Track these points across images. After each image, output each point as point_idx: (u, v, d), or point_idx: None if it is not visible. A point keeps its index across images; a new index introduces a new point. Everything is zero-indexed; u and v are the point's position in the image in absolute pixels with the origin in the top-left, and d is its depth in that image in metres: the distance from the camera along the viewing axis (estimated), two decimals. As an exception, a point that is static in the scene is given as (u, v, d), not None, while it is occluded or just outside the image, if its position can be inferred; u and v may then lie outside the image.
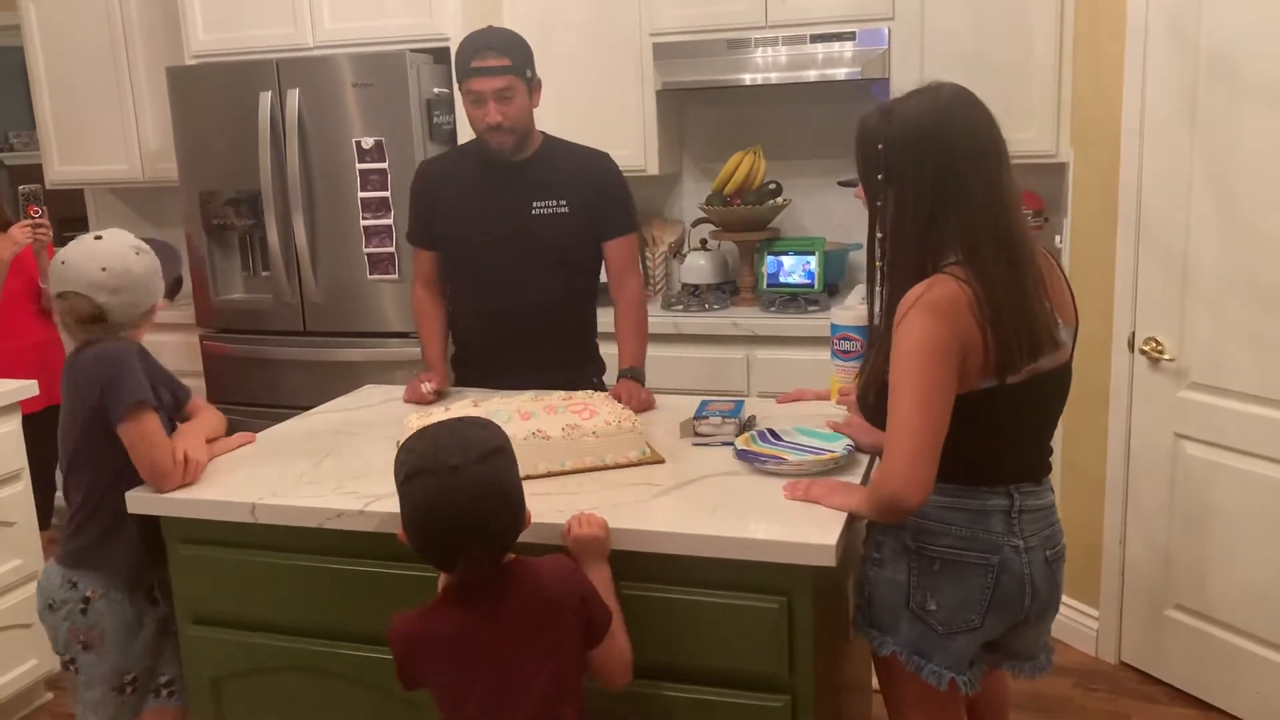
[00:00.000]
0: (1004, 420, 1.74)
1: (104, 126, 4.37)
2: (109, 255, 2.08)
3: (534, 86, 2.59)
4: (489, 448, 1.59)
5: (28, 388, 3.02)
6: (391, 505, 1.88)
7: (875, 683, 2.50)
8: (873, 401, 1.82)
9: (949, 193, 1.70)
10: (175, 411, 2.21)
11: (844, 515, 1.76)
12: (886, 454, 1.69)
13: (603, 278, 2.78)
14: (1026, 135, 3.28)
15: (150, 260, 2.15)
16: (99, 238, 2.12)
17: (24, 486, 3.00)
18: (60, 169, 4.44)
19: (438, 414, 2.08)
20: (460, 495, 1.54)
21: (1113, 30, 2.87)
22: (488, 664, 1.61)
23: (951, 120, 1.71)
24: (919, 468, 1.64)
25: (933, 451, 1.65)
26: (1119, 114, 2.85)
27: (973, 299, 1.66)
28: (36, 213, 3.46)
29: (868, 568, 1.88)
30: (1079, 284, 3.06)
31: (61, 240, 3.72)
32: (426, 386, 2.56)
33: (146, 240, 2.20)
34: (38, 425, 3.60)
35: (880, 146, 1.74)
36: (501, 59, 2.50)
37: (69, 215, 4.90)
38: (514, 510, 1.61)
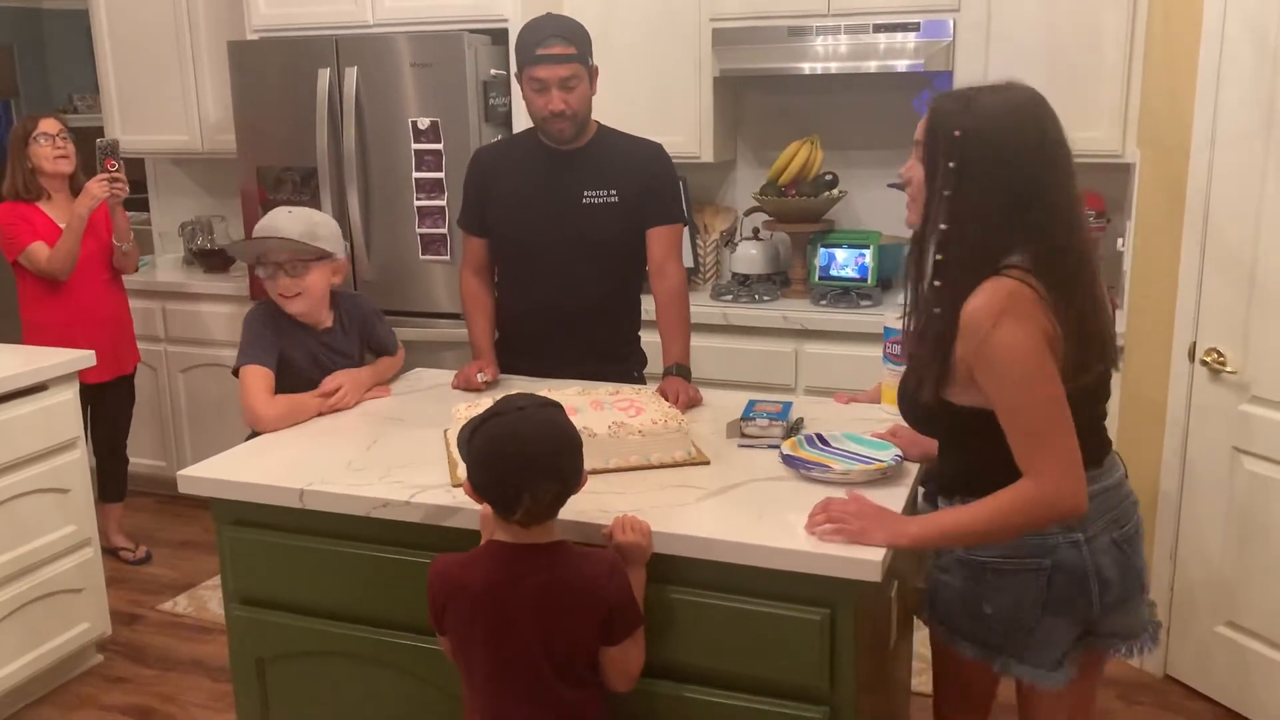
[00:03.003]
0: None
1: (166, 97, 4.42)
2: None
3: (594, 74, 2.57)
4: (549, 402, 1.71)
5: (86, 358, 3.06)
6: (437, 497, 1.91)
7: (915, 684, 2.51)
8: (924, 411, 1.78)
9: (1025, 196, 1.65)
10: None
11: (891, 529, 1.73)
12: (1042, 468, 1.62)
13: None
14: (1092, 134, 3.21)
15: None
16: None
17: (80, 455, 3.05)
18: (123, 137, 4.48)
19: (486, 402, 2.08)
20: (527, 428, 1.64)
21: (1187, 32, 2.78)
22: (495, 620, 1.66)
23: (1033, 123, 1.67)
24: (1079, 471, 1.63)
25: (1078, 452, 1.63)
26: (1190, 118, 2.76)
27: (1036, 297, 1.63)
28: (114, 165, 3.48)
29: (933, 569, 1.88)
30: (1139, 290, 3.01)
31: (130, 203, 3.79)
32: (482, 375, 2.55)
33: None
34: (107, 395, 3.68)
35: (957, 134, 1.66)
36: (567, 47, 2.48)
37: (130, 180, 4.97)
38: (575, 452, 1.67)
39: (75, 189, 3.57)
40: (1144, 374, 2.93)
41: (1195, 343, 2.80)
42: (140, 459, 4.15)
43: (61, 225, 3.51)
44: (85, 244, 3.52)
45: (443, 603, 1.72)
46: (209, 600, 3.58)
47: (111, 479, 3.89)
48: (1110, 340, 1.75)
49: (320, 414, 2.40)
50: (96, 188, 3.45)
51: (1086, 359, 1.66)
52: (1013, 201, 1.65)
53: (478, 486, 1.67)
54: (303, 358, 2.49)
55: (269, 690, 2.15)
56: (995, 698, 2.07)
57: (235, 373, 2.45)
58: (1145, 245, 2.99)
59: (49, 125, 3.53)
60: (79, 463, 3.05)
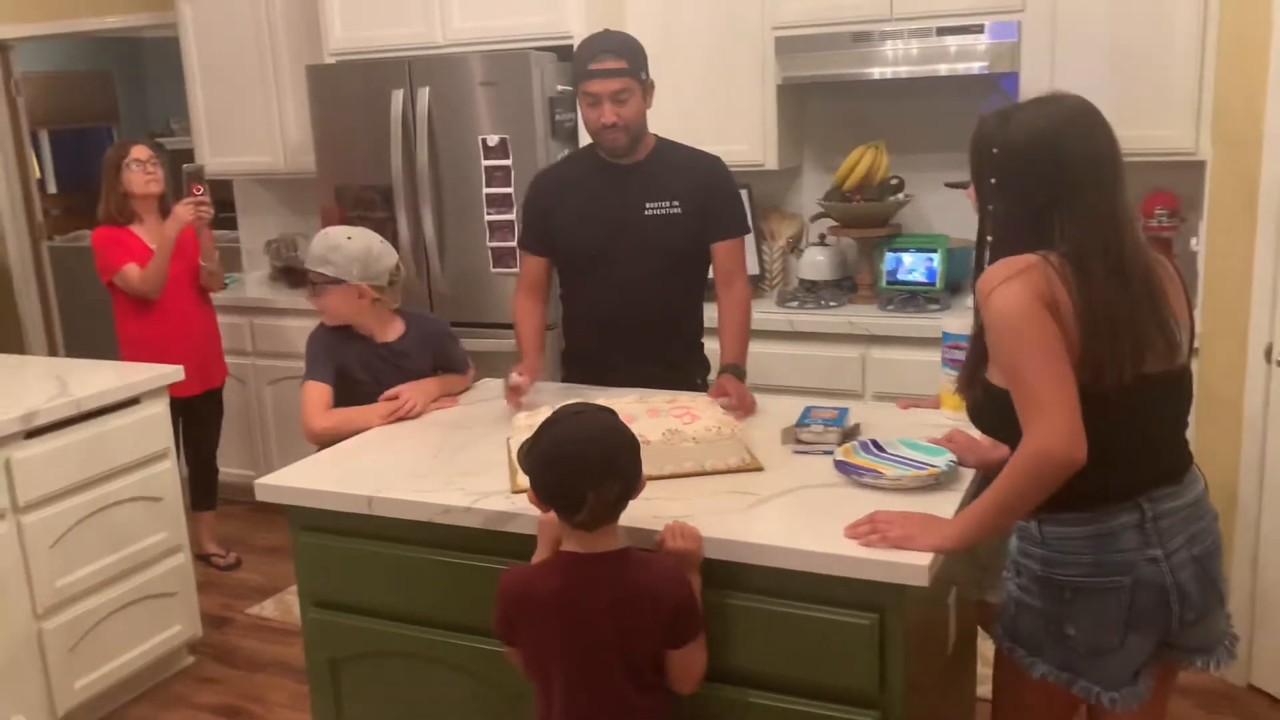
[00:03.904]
0: (1118, 428, 1.70)
1: (250, 120, 4.60)
2: None
3: (648, 88, 2.62)
4: (605, 407, 1.80)
5: (175, 372, 3.22)
6: (496, 504, 1.97)
7: (980, 691, 2.49)
8: (975, 401, 1.81)
9: (1059, 203, 1.69)
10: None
11: (940, 534, 1.74)
12: (1036, 422, 1.64)
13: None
14: (1165, 132, 3.15)
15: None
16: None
17: (170, 464, 3.20)
18: (211, 160, 4.69)
19: (545, 411, 2.13)
20: (587, 430, 1.71)
21: (1260, 26, 2.71)
22: (575, 629, 1.71)
23: (1070, 132, 1.71)
24: (1071, 420, 1.62)
25: (1075, 400, 1.63)
26: (1263, 114, 2.70)
27: (1052, 273, 1.65)
28: (199, 190, 3.67)
29: (1010, 586, 1.87)
30: (1213, 290, 2.95)
31: (219, 222, 3.97)
32: (515, 375, 2.52)
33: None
34: (197, 408, 3.86)
35: (995, 151, 1.74)
36: (618, 62, 2.55)
37: (217, 200, 5.19)
38: (634, 452, 1.73)
39: (165, 210, 3.74)
40: (1219, 375, 2.86)
41: (1271, 344, 2.73)
42: (230, 468, 4.32)
43: (153, 246, 3.69)
44: (174, 265, 3.69)
45: (514, 614, 1.77)
46: (294, 605, 3.71)
47: (203, 489, 4.06)
48: (1170, 337, 1.72)
49: (385, 423, 2.51)
50: (184, 211, 3.63)
51: (1107, 360, 1.66)
52: (1049, 206, 1.69)
53: (541, 492, 1.72)
54: (360, 369, 2.63)
55: (341, 689, 2.24)
56: None
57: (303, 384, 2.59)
58: (1219, 244, 2.92)
59: (140, 152, 3.71)
60: (170, 473, 3.21)
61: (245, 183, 4.99)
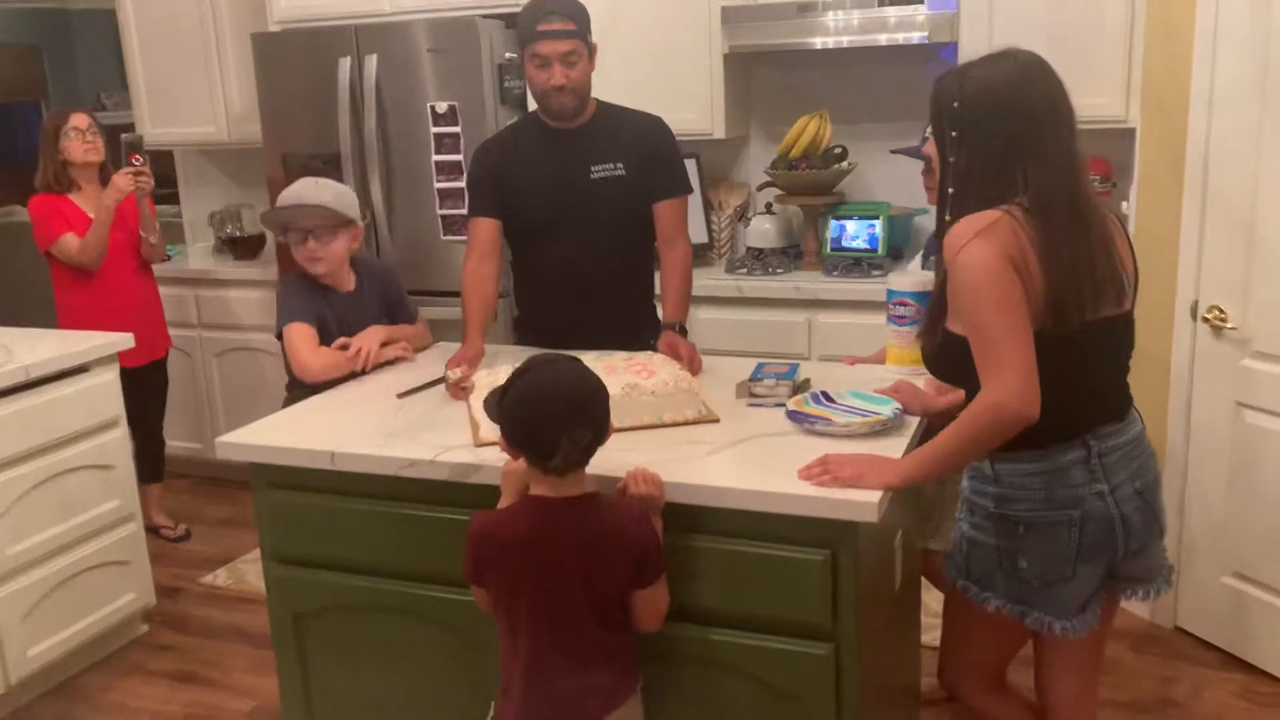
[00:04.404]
0: (1069, 370, 1.79)
1: (192, 90, 4.55)
2: None
3: (593, 51, 2.66)
4: (574, 357, 1.85)
5: (125, 340, 3.19)
6: (460, 456, 2.01)
7: (926, 638, 2.60)
8: (934, 350, 1.90)
9: (1020, 153, 1.76)
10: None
11: (889, 473, 1.82)
12: (994, 376, 1.72)
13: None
14: (1096, 100, 3.26)
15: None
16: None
17: (121, 433, 3.19)
18: (152, 131, 4.63)
19: (504, 370, 2.17)
20: (561, 378, 1.76)
21: (1185, -5, 2.84)
22: (544, 570, 1.77)
23: (1028, 84, 1.78)
24: (1028, 378, 1.70)
25: (1032, 357, 1.71)
26: (1189, 81, 2.82)
27: (1016, 226, 1.72)
28: (138, 160, 3.62)
29: (963, 525, 1.96)
30: (1142, 250, 3.02)
31: (159, 198, 3.92)
32: (453, 373, 2.40)
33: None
34: (141, 380, 3.81)
35: (955, 105, 1.81)
36: (567, 23, 2.58)
37: (158, 174, 5.13)
38: (605, 400, 1.79)
39: (104, 179, 3.69)
40: (1148, 333, 2.96)
41: (1197, 301, 2.87)
42: (176, 441, 4.30)
43: (91, 215, 3.64)
44: (114, 234, 3.65)
45: (485, 555, 1.81)
46: (247, 573, 3.72)
47: (150, 461, 4.03)
48: (1107, 288, 1.80)
49: (352, 371, 2.58)
50: (122, 181, 3.58)
51: (1069, 299, 1.74)
52: (1007, 156, 1.76)
53: (514, 438, 1.77)
54: (332, 321, 2.66)
55: (306, 645, 2.27)
56: (1010, 662, 2.14)
57: (278, 335, 2.62)
58: (1148, 207, 3.05)
59: (79, 120, 3.66)
60: (121, 441, 3.19)
61: (187, 154, 4.93)
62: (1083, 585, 1.88)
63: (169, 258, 4.29)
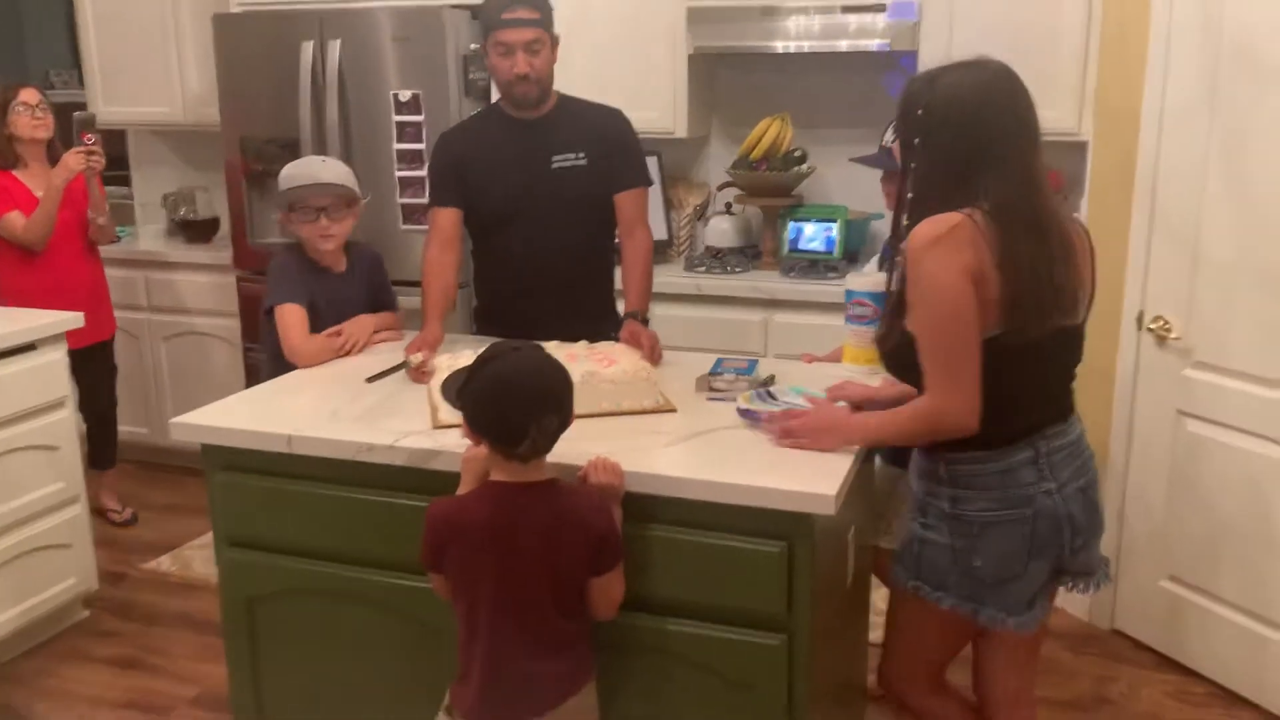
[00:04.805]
0: (1024, 374, 1.84)
1: (148, 69, 4.47)
2: None
3: (555, 42, 2.69)
4: (538, 345, 1.86)
5: (74, 319, 3.14)
6: (419, 441, 2.01)
7: (873, 636, 2.64)
8: (891, 349, 1.94)
9: (982, 163, 1.79)
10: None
11: (846, 468, 1.86)
12: (943, 387, 1.79)
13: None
14: (1051, 114, 3.24)
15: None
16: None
17: (68, 413, 3.14)
18: (105, 109, 4.54)
19: (466, 357, 2.17)
20: (527, 364, 1.77)
21: (1139, 13, 2.91)
22: (505, 555, 1.77)
23: (992, 95, 1.81)
24: (971, 392, 1.77)
25: (976, 375, 1.77)
26: (1140, 96, 2.90)
27: (977, 231, 1.76)
28: (90, 139, 3.54)
29: (915, 526, 1.99)
30: (1092, 261, 3.15)
31: (109, 179, 3.85)
32: (414, 358, 2.41)
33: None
34: (86, 362, 3.74)
35: (920, 111, 1.84)
36: (531, 12, 2.61)
37: (109, 154, 5.04)
38: (570, 387, 1.80)
39: (53, 158, 3.62)
40: (1094, 341, 3.02)
41: (1143, 311, 2.95)
42: (122, 425, 4.22)
43: (38, 194, 3.56)
44: (61, 214, 3.57)
45: (444, 543, 1.81)
46: (193, 560, 3.68)
47: (100, 446, 3.96)
48: (1064, 299, 1.84)
49: (335, 357, 2.59)
50: (73, 160, 3.50)
51: (1025, 308, 1.78)
52: (969, 165, 1.80)
53: (480, 425, 1.77)
54: (322, 302, 2.65)
55: (258, 630, 2.25)
56: (950, 663, 2.18)
57: (268, 312, 2.61)
58: (1098, 218, 3.12)
59: (29, 95, 3.58)
60: (67, 421, 3.14)
61: (140, 134, 4.85)
62: (1032, 581, 1.92)
63: (119, 239, 4.21)
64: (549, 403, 1.75)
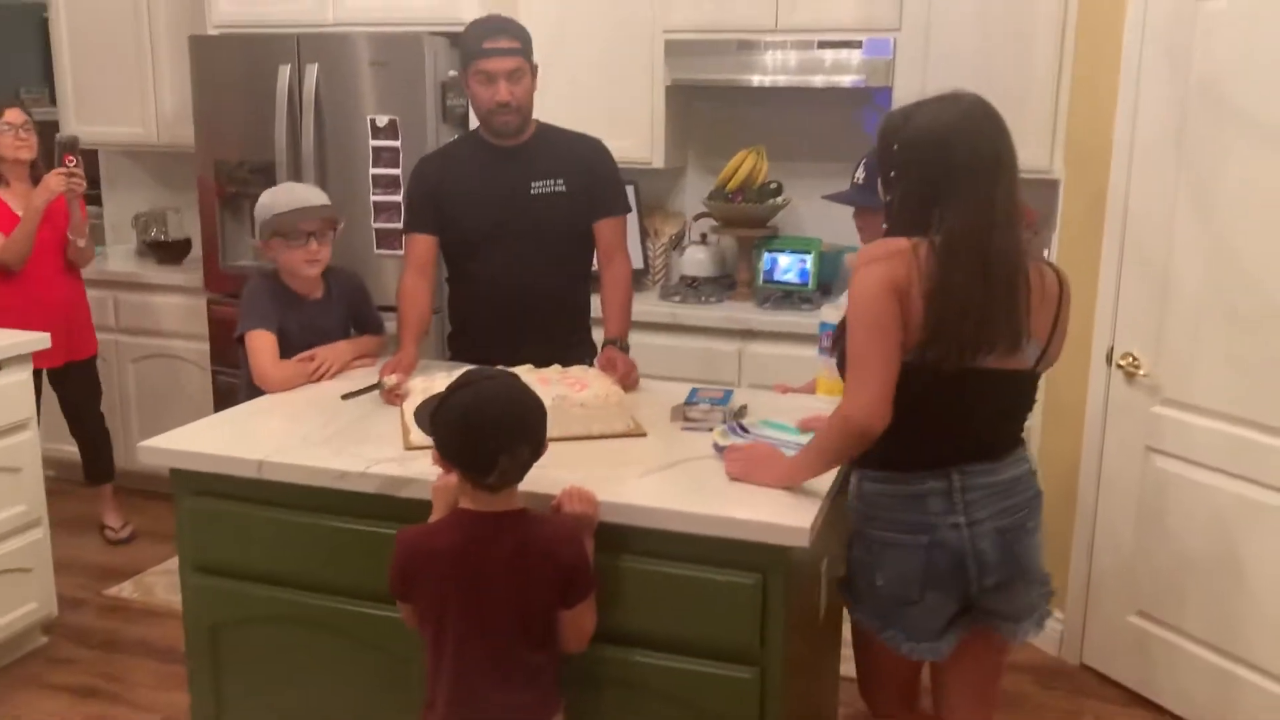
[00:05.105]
0: (941, 406, 1.86)
1: (122, 89, 4.45)
2: None
3: (535, 72, 2.70)
4: (512, 373, 1.85)
5: (39, 340, 3.10)
6: (392, 469, 2.00)
7: (844, 669, 2.63)
8: (840, 356, 1.98)
9: (938, 195, 1.83)
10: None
11: (820, 499, 1.86)
12: (850, 390, 1.82)
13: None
14: (1023, 151, 3.24)
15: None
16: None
17: (31, 435, 3.09)
18: (77, 128, 4.48)
19: (441, 379, 2.17)
20: (498, 394, 1.75)
21: (1109, 53, 2.97)
22: (472, 584, 1.75)
23: (958, 130, 1.84)
24: (879, 397, 1.79)
25: (889, 380, 1.79)
26: (1111, 136, 2.95)
27: (915, 260, 1.79)
28: (71, 161, 3.54)
29: (847, 544, 2.02)
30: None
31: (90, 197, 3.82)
32: (389, 379, 2.42)
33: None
34: (64, 381, 3.76)
35: (895, 146, 1.88)
36: (513, 42, 2.63)
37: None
38: (543, 417, 1.78)
39: (35, 178, 3.60)
40: (1063, 376, 3.09)
41: (1113, 347, 2.98)
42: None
43: (19, 213, 3.54)
44: (41, 232, 3.56)
45: (412, 569, 1.79)
46: (155, 586, 3.61)
47: (94, 460, 3.96)
48: (1016, 338, 1.83)
49: (306, 382, 2.56)
50: (54, 181, 3.49)
51: (949, 339, 1.80)
52: (927, 197, 1.84)
53: (450, 453, 1.75)
54: (296, 329, 2.63)
55: (221, 658, 2.21)
56: (919, 680, 2.19)
57: (239, 339, 2.59)
58: (1069, 255, 3.16)
59: (13, 115, 3.57)
60: (31, 443, 3.09)
61: (112, 154, 4.80)
62: (934, 611, 1.93)
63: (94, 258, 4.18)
64: (520, 433, 1.73)
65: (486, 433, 1.71)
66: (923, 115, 1.87)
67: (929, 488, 1.89)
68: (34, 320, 3.45)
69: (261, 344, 2.55)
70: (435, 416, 1.76)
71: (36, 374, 3.50)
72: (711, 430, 2.18)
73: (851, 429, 1.81)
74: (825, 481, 1.93)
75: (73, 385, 3.82)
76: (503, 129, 2.68)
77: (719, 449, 2.07)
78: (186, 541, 2.18)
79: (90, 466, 3.95)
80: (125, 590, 3.61)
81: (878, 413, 1.79)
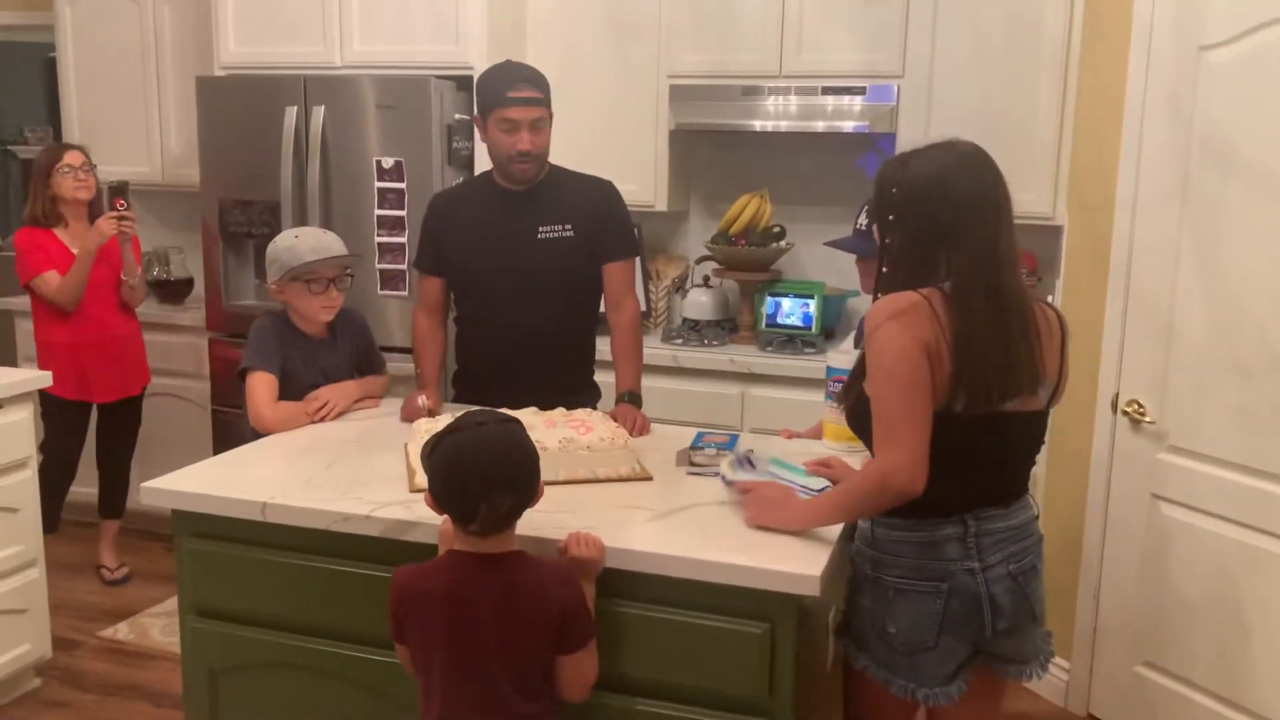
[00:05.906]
0: (962, 451, 1.84)
1: (128, 128, 4.48)
2: None
3: (551, 120, 2.71)
4: (509, 418, 1.82)
5: (42, 378, 3.11)
6: (396, 512, 1.98)
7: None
8: (850, 406, 1.97)
9: (944, 240, 1.84)
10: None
11: (830, 546, 1.84)
12: (885, 451, 1.80)
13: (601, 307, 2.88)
14: (1025, 197, 3.35)
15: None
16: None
17: (30, 475, 3.06)
18: (82, 167, 4.51)
19: (447, 419, 2.15)
20: (488, 441, 1.72)
21: (1112, 104, 2.99)
22: (458, 626, 1.73)
23: (957, 174, 1.85)
24: (918, 459, 1.77)
25: (925, 439, 1.78)
26: (1114, 184, 2.96)
27: (932, 313, 1.79)
28: (122, 205, 3.64)
29: (850, 589, 2.00)
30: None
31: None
32: (423, 400, 2.61)
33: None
34: (113, 417, 3.88)
35: (894, 190, 1.89)
36: (536, 91, 2.65)
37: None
38: (533, 466, 1.75)
39: (93, 217, 3.71)
40: (1070, 425, 3.09)
41: (1118, 394, 2.97)
42: (84, 487, 4.12)
43: (75, 251, 3.65)
44: (96, 270, 3.67)
45: (404, 611, 1.78)
46: (150, 628, 3.57)
47: (111, 497, 4.01)
48: (1021, 380, 1.84)
49: (310, 422, 2.57)
50: (105, 225, 3.60)
51: (977, 385, 1.80)
52: (933, 243, 1.84)
53: (438, 498, 1.75)
54: (304, 369, 2.65)
55: (219, 704, 2.18)
56: None
57: (241, 376, 2.60)
58: (1072, 302, 3.17)
59: (73, 158, 3.69)
60: (29, 483, 3.06)
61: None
62: (947, 656, 1.91)
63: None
64: (501, 484, 1.70)
65: (468, 481, 1.69)
66: (921, 160, 1.89)
67: (945, 534, 1.88)
68: (90, 356, 3.64)
69: (259, 385, 2.55)
70: (428, 460, 1.75)
71: (84, 407, 3.73)
72: (719, 475, 2.16)
73: (888, 491, 1.79)
74: (834, 528, 1.91)
75: (119, 419, 3.92)
76: (521, 177, 2.69)
77: (727, 481, 2.06)
78: (187, 584, 2.15)
79: (105, 499, 4.00)
80: (120, 632, 3.57)
81: (918, 475, 1.78)
